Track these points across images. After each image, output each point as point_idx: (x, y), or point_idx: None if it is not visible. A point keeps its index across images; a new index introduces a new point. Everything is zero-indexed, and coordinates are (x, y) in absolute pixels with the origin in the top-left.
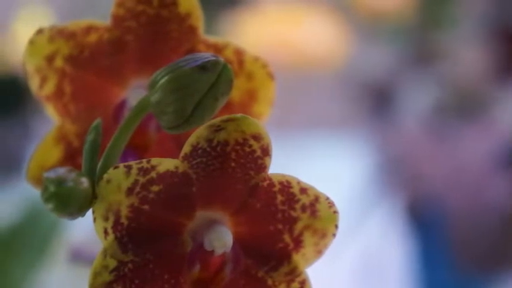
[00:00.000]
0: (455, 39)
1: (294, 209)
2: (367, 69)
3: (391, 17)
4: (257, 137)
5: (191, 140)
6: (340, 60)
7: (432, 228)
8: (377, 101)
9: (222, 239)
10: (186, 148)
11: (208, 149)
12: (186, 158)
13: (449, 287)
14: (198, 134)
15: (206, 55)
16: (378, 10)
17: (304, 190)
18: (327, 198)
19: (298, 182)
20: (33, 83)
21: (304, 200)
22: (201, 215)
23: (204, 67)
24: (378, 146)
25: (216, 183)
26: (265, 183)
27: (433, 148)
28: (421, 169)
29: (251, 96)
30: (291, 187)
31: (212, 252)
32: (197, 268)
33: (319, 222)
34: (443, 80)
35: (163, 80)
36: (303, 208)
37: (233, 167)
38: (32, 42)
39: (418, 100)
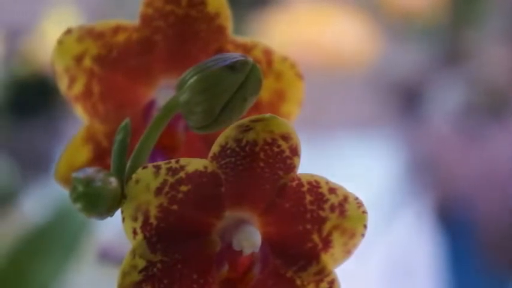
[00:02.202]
0: (485, 38)
1: (322, 209)
2: (397, 69)
3: (420, 17)
4: (286, 137)
5: (220, 140)
6: (370, 60)
7: (461, 229)
8: (406, 101)
9: (251, 239)
10: (215, 148)
11: (237, 149)
12: (214, 158)
13: None
14: (226, 134)
15: (235, 55)
16: (407, 9)
17: (333, 190)
18: (356, 198)
19: (327, 182)
20: (62, 83)
21: (333, 199)
22: (230, 215)
23: (232, 67)
24: (407, 145)
25: (244, 183)
26: (294, 183)
27: (462, 148)
28: (451, 169)
29: (280, 96)
30: (320, 187)
31: (241, 252)
32: (226, 268)
33: (348, 222)
34: (473, 80)
35: (192, 80)
36: (332, 208)
37: (262, 167)
38: (60, 42)
39: (447, 100)
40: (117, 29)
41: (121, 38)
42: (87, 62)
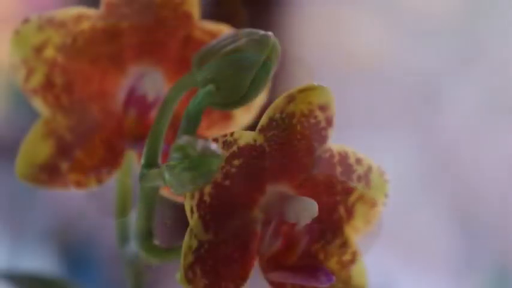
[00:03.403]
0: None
1: (351, 179)
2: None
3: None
4: (324, 108)
5: (269, 111)
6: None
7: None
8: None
9: (310, 209)
10: (264, 120)
11: (279, 121)
12: (262, 130)
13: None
14: (275, 105)
15: (259, 31)
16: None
17: (359, 160)
18: (378, 168)
19: (353, 152)
20: (19, 76)
21: (359, 170)
22: (271, 189)
23: (259, 41)
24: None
25: (284, 156)
26: (327, 155)
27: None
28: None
29: None
30: (348, 157)
31: (294, 224)
32: (277, 243)
33: (371, 192)
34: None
35: (215, 59)
36: (359, 178)
37: (299, 139)
38: (17, 33)
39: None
40: (79, 18)
41: (85, 26)
42: (50, 52)
